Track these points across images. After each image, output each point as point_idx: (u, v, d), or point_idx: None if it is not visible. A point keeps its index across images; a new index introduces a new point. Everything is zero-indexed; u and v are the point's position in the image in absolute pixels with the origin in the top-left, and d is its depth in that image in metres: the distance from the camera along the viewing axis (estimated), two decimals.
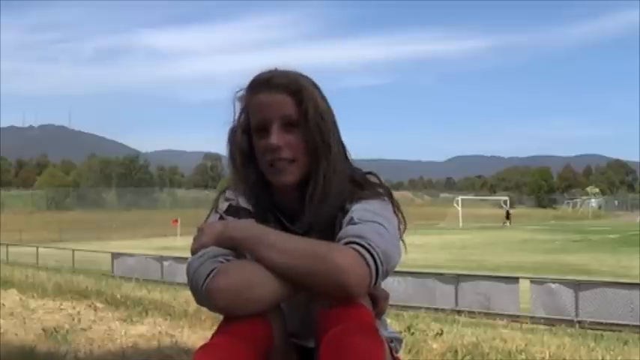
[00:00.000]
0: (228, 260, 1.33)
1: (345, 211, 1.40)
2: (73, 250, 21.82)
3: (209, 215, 1.51)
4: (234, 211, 1.48)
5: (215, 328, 1.32)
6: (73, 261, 20.65)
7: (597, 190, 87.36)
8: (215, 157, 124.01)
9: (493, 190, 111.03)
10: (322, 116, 1.42)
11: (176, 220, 34.27)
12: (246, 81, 1.48)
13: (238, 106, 1.49)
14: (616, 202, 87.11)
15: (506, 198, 64.07)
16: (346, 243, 1.29)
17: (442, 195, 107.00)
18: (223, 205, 1.50)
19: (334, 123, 1.46)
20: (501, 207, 61.59)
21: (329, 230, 1.40)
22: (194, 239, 1.39)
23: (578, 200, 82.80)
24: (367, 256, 1.26)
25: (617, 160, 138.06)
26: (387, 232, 1.34)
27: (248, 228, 1.35)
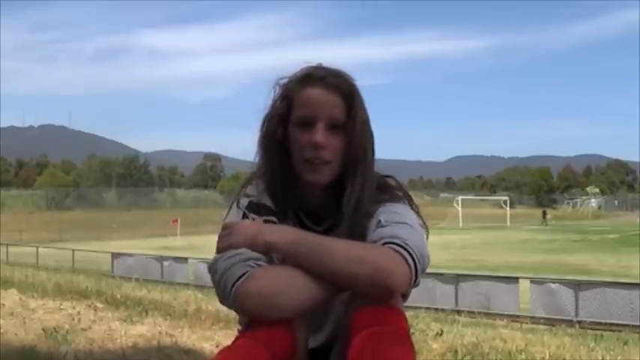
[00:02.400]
0: (259, 265, 1.31)
1: (368, 214, 1.41)
2: (73, 250, 21.86)
3: (229, 211, 1.49)
4: (255, 208, 1.46)
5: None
6: (73, 261, 20.67)
7: (597, 190, 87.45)
8: (215, 157, 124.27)
9: (493, 190, 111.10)
10: (366, 124, 1.43)
11: (176, 221, 34.33)
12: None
13: (278, 94, 1.46)
14: (616, 202, 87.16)
15: (506, 198, 64.14)
16: (382, 244, 1.29)
17: (442, 195, 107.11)
18: (244, 201, 1.47)
19: (371, 130, 1.46)
20: (501, 207, 61.66)
21: (350, 231, 1.41)
22: (220, 237, 1.36)
23: (578, 200, 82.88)
24: (406, 255, 1.27)
25: (617, 160, 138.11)
26: (416, 231, 1.36)
27: (285, 232, 1.34)
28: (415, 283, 1.31)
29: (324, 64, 1.46)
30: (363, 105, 1.43)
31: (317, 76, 1.42)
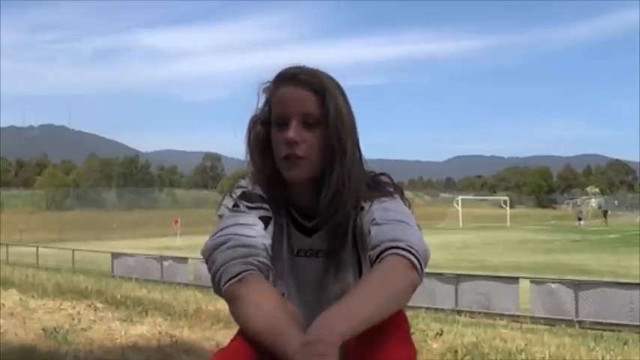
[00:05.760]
0: (259, 264, 1.30)
1: (359, 209, 1.42)
2: (73, 250, 21.83)
3: (222, 201, 1.50)
4: (248, 197, 1.47)
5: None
6: (73, 261, 20.66)
7: (597, 190, 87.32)
8: (215, 157, 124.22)
9: (493, 190, 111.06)
10: (342, 118, 1.42)
11: (177, 221, 34.28)
12: (267, 75, 1.49)
13: (262, 98, 1.49)
14: (616, 202, 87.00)
15: (506, 198, 64.13)
16: (388, 248, 1.28)
17: (442, 195, 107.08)
18: (238, 191, 1.49)
19: (353, 125, 1.46)
20: (501, 207, 61.62)
21: (341, 226, 1.43)
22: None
23: (578, 200, 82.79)
24: (414, 260, 1.26)
25: (617, 160, 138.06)
26: (413, 228, 1.35)
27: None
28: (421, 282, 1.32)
29: (306, 65, 1.47)
30: (337, 100, 1.43)
31: (288, 75, 1.44)
